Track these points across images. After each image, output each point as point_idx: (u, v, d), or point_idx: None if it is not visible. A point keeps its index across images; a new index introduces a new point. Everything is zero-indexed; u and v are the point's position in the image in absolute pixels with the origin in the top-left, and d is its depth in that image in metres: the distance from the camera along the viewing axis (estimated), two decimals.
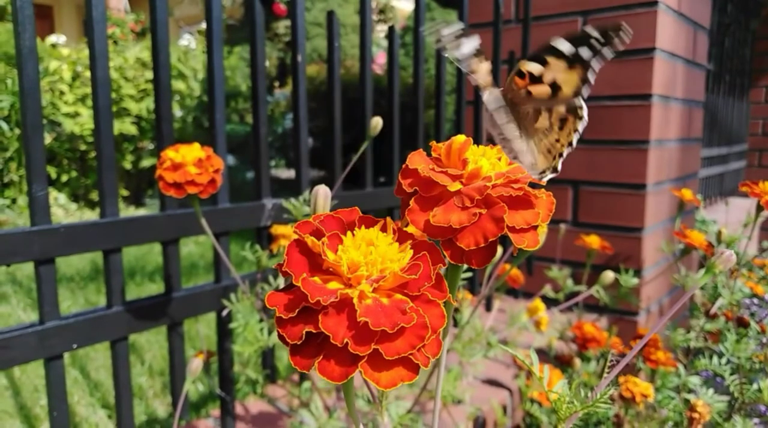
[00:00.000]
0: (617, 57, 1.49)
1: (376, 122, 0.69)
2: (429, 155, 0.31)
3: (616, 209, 1.54)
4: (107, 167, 0.75)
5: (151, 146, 3.88)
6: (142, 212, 3.84)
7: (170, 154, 0.64)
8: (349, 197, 1.06)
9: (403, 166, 0.28)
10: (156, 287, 2.32)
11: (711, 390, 1.12)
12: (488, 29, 1.50)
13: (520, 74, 0.31)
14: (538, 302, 1.07)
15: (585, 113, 0.30)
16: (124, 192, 3.94)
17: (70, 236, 0.71)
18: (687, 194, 1.30)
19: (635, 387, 1.00)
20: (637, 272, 1.51)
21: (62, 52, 3.85)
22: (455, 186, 0.27)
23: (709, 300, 1.21)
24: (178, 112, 4.06)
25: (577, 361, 1.02)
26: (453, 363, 1.08)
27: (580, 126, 0.30)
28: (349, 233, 0.25)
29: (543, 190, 0.28)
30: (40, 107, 0.68)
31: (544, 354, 1.31)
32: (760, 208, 0.93)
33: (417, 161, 0.28)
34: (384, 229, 0.26)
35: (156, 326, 0.82)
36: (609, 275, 0.95)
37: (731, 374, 1.05)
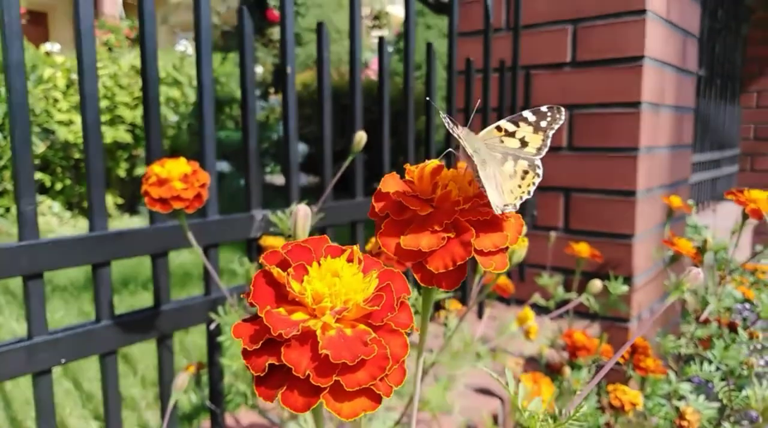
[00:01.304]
0: (606, 65, 1.50)
1: (360, 137, 0.70)
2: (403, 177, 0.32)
3: (606, 215, 1.55)
4: (96, 181, 0.75)
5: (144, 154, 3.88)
6: (136, 219, 3.84)
7: (156, 169, 0.65)
8: (339, 207, 1.06)
9: (377, 189, 0.29)
10: (149, 296, 2.31)
11: (702, 397, 1.13)
12: (479, 37, 1.50)
13: (498, 128, 0.38)
14: (527, 311, 1.07)
15: (541, 172, 0.36)
16: (119, 200, 3.94)
17: (59, 250, 0.72)
18: (676, 201, 1.31)
19: (624, 395, 1.01)
20: (629, 279, 1.52)
21: (56, 59, 3.85)
22: (425, 210, 0.27)
23: (700, 306, 1.21)
24: (173, 118, 4.06)
25: (567, 370, 1.03)
26: (443, 373, 1.09)
27: (537, 181, 0.36)
28: (315, 263, 0.25)
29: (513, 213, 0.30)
30: (28, 122, 0.68)
31: (535, 362, 1.32)
32: (745, 216, 0.94)
33: (390, 184, 0.29)
34: (350, 259, 0.26)
35: (145, 339, 0.82)
36: (597, 284, 0.95)
37: (721, 380, 1.05)
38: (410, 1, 1.17)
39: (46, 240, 0.71)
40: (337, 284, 0.24)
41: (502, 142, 0.37)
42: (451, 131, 0.33)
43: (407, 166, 0.31)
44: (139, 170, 3.84)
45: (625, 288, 1.25)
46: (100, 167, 0.75)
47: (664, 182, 1.66)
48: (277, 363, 0.22)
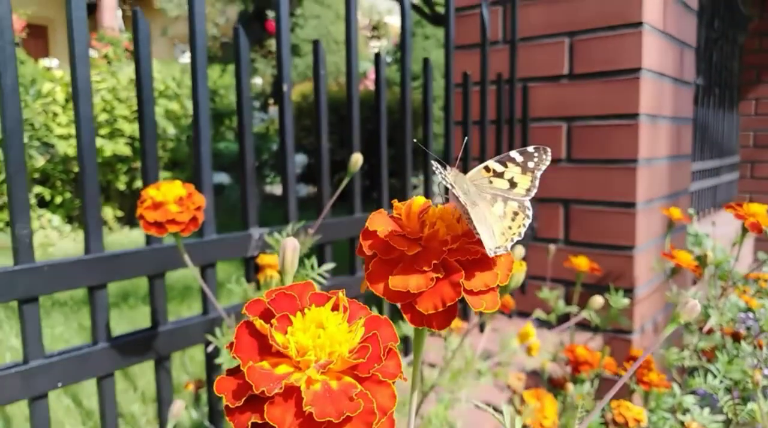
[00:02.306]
0: (604, 77, 1.50)
1: (356, 160, 0.69)
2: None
3: (607, 227, 1.54)
4: (91, 203, 0.75)
5: None
6: (135, 232, 3.83)
7: (151, 192, 0.64)
8: (337, 224, 1.06)
9: (364, 228, 0.28)
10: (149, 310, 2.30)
11: (707, 410, 1.12)
12: (476, 50, 1.51)
13: (486, 168, 0.38)
14: (528, 328, 1.06)
15: (531, 213, 0.36)
16: (119, 213, 3.94)
17: (54, 273, 0.71)
18: (675, 212, 1.30)
19: (628, 411, 1.00)
20: (630, 291, 1.51)
21: (55, 74, 3.87)
22: (413, 250, 0.27)
23: (703, 317, 1.21)
24: (172, 131, 4.07)
25: (570, 386, 1.02)
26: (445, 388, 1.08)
27: (527, 222, 0.35)
28: (299, 313, 0.25)
29: None
30: (22, 147, 0.68)
31: (537, 376, 1.31)
32: (745, 229, 0.93)
33: (377, 222, 0.28)
34: (336, 307, 0.26)
35: (143, 361, 0.81)
36: (598, 300, 0.95)
37: (726, 392, 1.04)
38: (406, 21, 1.17)
39: (42, 263, 0.70)
40: (322, 335, 0.24)
41: (491, 182, 0.37)
42: (440, 176, 0.33)
43: (395, 202, 0.31)
44: (139, 183, 3.84)
45: (626, 302, 1.24)
46: (96, 189, 0.75)
47: (664, 193, 1.66)
48: (260, 422, 0.22)
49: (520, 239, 0.33)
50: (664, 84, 1.58)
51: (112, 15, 9.93)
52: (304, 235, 0.71)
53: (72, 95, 0.74)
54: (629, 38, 1.45)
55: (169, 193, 0.64)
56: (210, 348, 0.80)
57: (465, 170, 1.28)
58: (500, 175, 0.37)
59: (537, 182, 0.38)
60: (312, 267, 0.69)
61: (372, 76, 6.07)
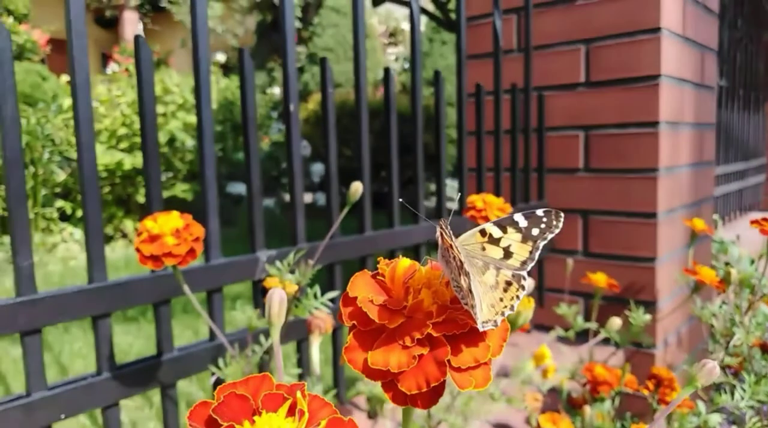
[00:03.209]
0: (622, 84, 1.46)
1: (356, 189, 0.67)
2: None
3: (627, 238, 1.50)
4: (94, 232, 0.74)
5: (163, 178, 3.92)
6: None
7: (148, 224, 0.63)
8: (346, 243, 1.04)
9: (344, 293, 0.26)
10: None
11: None
12: (489, 59, 1.48)
13: (482, 232, 0.34)
14: (543, 349, 1.03)
15: (526, 284, 0.32)
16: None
17: (57, 304, 0.70)
18: (698, 223, 1.26)
19: None
20: (653, 304, 1.47)
21: None
22: (395, 322, 0.25)
23: (728, 331, 1.16)
24: (190, 142, 4.10)
25: (587, 408, 0.98)
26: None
27: (521, 294, 0.31)
28: (247, 423, 0.22)
29: None
30: (23, 178, 0.68)
31: (556, 394, 1.27)
32: None
33: (358, 287, 0.26)
34: (293, 410, 0.23)
35: (148, 389, 0.80)
36: (616, 322, 0.91)
37: (755, 413, 1.00)
38: (416, 34, 1.15)
39: (44, 294, 0.69)
40: None
41: (483, 249, 0.33)
42: (440, 237, 0.29)
43: (380, 261, 0.28)
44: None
45: (647, 318, 1.20)
46: (98, 219, 0.74)
47: (686, 202, 1.61)
48: None
49: (511, 312, 0.29)
50: (684, 90, 1.54)
51: (133, 28, 10.11)
52: (304, 265, 0.70)
53: (74, 123, 0.73)
54: (647, 44, 1.41)
55: (165, 225, 0.62)
56: (212, 380, 0.78)
57: (479, 182, 1.24)
58: (496, 241, 0.33)
59: (537, 254, 0.33)
60: (315, 296, 0.67)
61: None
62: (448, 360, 0.23)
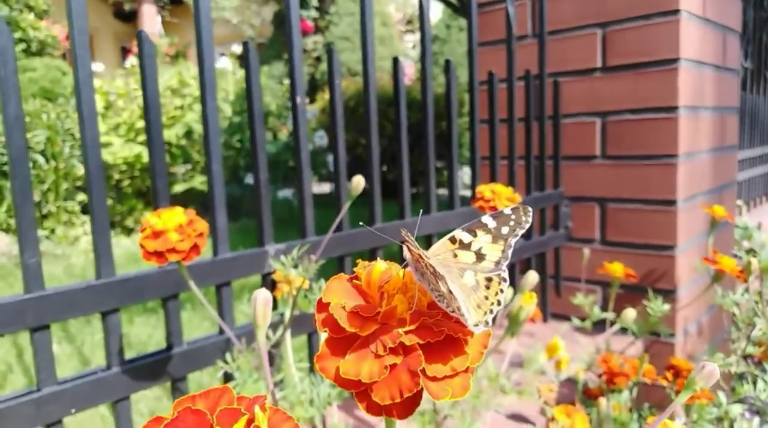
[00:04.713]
0: (639, 69, 1.43)
1: (357, 183, 0.66)
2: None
3: (646, 226, 1.47)
4: (101, 229, 0.74)
5: (182, 170, 3.95)
6: None
7: (152, 220, 0.63)
8: (355, 235, 1.03)
9: (318, 298, 0.25)
10: (185, 316, 2.32)
11: (756, 419, 1.05)
12: (502, 46, 1.45)
13: (452, 240, 0.34)
14: (556, 341, 1.01)
15: (507, 275, 0.32)
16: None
17: (65, 300, 0.71)
18: (719, 210, 1.22)
19: None
20: (672, 292, 1.44)
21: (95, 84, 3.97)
22: (368, 329, 0.24)
23: (751, 320, 1.13)
24: None
25: (602, 401, 0.96)
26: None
27: (505, 286, 0.31)
28: None
29: None
30: (29, 176, 0.68)
31: (572, 384, 1.25)
32: None
33: (333, 292, 0.25)
34: (249, 424, 0.22)
35: (158, 383, 0.81)
36: (631, 313, 0.89)
37: None
38: (425, 30, 1.13)
39: (52, 291, 0.70)
40: None
41: (455, 256, 0.32)
42: (406, 251, 0.29)
43: (359, 264, 0.27)
44: (176, 187, 3.91)
45: (665, 308, 1.17)
46: (105, 215, 0.74)
47: (707, 188, 1.57)
48: None
49: (499, 308, 0.29)
50: (704, 73, 1.49)
51: (152, 21, 10.17)
52: (307, 261, 0.69)
53: (78, 120, 0.73)
54: (665, 27, 1.37)
55: (169, 221, 0.62)
56: (220, 374, 0.78)
57: (493, 171, 1.22)
58: (467, 246, 0.33)
59: (510, 252, 0.32)
60: (321, 290, 0.66)
61: (408, 71, 6.03)
62: (422, 370, 0.22)
